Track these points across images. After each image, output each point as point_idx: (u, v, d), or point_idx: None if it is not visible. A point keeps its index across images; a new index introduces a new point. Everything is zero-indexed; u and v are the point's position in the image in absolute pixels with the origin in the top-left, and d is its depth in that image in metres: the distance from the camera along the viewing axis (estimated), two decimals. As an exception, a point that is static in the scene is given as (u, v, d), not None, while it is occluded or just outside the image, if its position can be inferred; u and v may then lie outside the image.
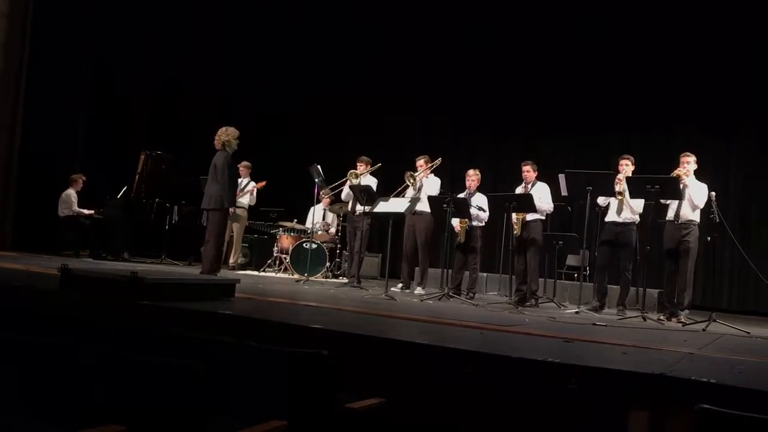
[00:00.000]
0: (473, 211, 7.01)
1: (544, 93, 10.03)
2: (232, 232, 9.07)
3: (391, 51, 11.13)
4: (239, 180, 9.15)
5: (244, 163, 9.20)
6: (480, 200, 7.17)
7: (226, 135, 6.53)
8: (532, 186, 6.79)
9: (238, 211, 9.07)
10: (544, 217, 6.82)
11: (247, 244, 10.02)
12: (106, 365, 2.12)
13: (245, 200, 9.18)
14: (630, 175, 6.13)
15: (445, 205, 6.61)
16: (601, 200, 6.34)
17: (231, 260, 9.16)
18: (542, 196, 6.70)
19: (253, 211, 9.65)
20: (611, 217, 6.39)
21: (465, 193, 7.27)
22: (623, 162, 6.36)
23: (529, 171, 6.81)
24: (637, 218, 6.31)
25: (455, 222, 7.17)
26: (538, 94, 10.09)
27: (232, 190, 6.57)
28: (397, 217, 7.05)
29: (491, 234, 9.51)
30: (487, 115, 10.50)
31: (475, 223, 7.16)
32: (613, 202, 6.32)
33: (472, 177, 7.30)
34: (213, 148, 6.62)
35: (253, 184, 9.33)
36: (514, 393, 2.91)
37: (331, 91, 11.63)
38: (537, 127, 10.09)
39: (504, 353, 3.07)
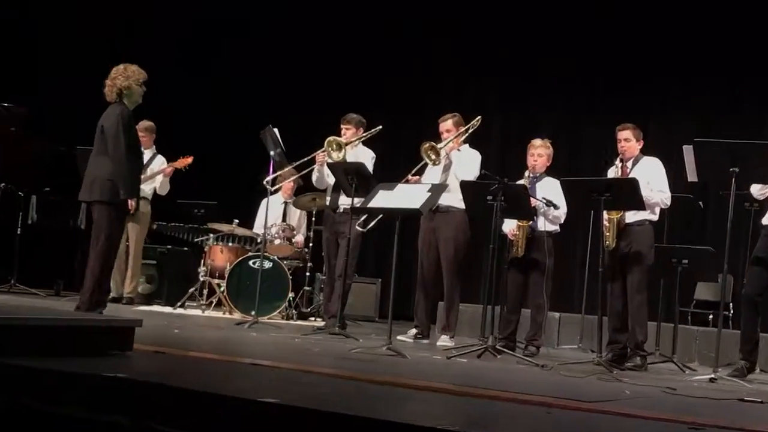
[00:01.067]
0: (539, 205, 7.01)
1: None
2: (128, 241, 9.09)
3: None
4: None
5: (145, 124, 9.18)
6: (550, 188, 7.15)
7: (125, 78, 6.51)
8: (635, 164, 6.80)
9: (140, 204, 9.09)
10: (656, 217, 6.82)
11: (154, 261, 10.02)
12: None
13: (149, 188, 9.20)
14: None
15: (490, 197, 6.61)
16: (756, 190, 6.32)
17: (127, 288, 9.16)
18: (653, 181, 6.70)
19: (162, 206, 9.66)
20: None
21: (526, 176, 7.27)
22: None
23: (629, 139, 6.81)
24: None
25: (509, 225, 7.16)
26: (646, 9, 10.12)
27: (133, 171, 6.57)
28: (410, 217, 7.05)
29: (567, 246, 9.51)
30: (557, 49, 10.52)
31: (540, 226, 7.15)
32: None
33: (539, 151, 7.29)
34: (101, 102, 6.62)
35: (162, 160, 9.32)
36: None
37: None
38: (643, 66, 10.10)
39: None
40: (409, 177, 7.41)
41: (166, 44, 11.46)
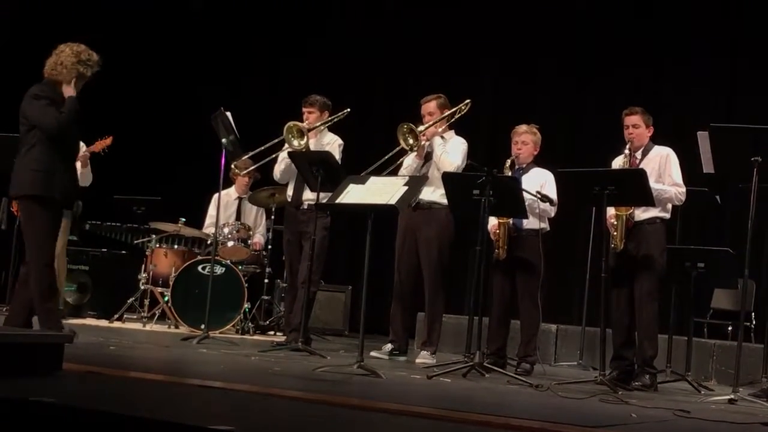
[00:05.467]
0: (530, 200, 7.03)
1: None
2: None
3: None
4: None
5: None
6: (541, 180, 7.19)
7: (59, 61, 6.43)
8: (645, 155, 6.84)
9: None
10: (669, 215, 6.86)
11: (86, 267, 9.95)
12: None
13: None
14: None
15: (477, 192, 6.63)
16: None
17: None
18: (666, 173, 6.75)
19: (96, 202, 9.59)
20: None
21: (507, 166, 7.28)
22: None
23: (637, 125, 6.84)
24: None
25: (491, 223, 7.19)
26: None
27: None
28: (385, 215, 7.04)
29: (566, 249, 9.53)
30: (557, 25, 10.59)
31: (527, 224, 7.19)
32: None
33: (524, 138, 7.32)
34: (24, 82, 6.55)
35: (81, 145, 9.22)
36: None
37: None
38: (651, 44, 10.17)
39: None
40: (386, 158, 7.38)
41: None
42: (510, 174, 7.21)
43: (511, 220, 7.16)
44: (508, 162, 7.30)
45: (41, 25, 11.21)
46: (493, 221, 7.17)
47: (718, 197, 8.23)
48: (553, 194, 7.15)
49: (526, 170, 7.31)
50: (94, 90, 10.02)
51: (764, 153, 6.01)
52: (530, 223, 7.18)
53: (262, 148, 7.91)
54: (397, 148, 7.40)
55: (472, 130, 8.31)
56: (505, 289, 7.28)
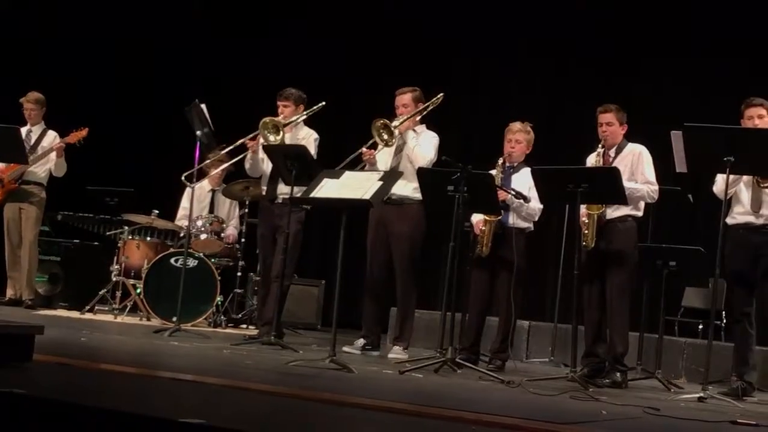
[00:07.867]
0: (509, 199, 7.04)
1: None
2: (18, 236, 9.03)
3: None
4: (26, 131, 9.04)
5: (33, 96, 9.14)
6: (530, 182, 7.12)
7: None
8: (618, 152, 6.86)
9: (31, 190, 9.03)
10: (640, 213, 6.88)
11: (58, 258, 9.90)
12: None
13: (42, 171, 9.13)
14: None
15: (451, 187, 6.63)
16: (720, 188, 6.38)
17: (24, 289, 9.05)
18: (638, 170, 6.77)
19: (68, 192, 9.55)
20: (740, 216, 6.52)
21: (499, 164, 7.26)
22: (753, 111, 6.54)
23: (611, 123, 6.86)
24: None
25: (477, 219, 7.21)
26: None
27: None
28: (358, 210, 7.03)
29: (538, 245, 9.54)
30: (533, 19, 10.61)
31: (511, 222, 7.20)
32: (744, 188, 6.46)
33: (518, 136, 7.29)
34: None
35: (54, 135, 9.20)
36: None
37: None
38: (626, 42, 10.21)
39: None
40: (364, 150, 7.39)
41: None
42: (501, 172, 7.20)
43: (498, 218, 7.13)
44: (500, 160, 7.29)
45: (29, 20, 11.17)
46: (479, 217, 7.18)
47: (690, 196, 8.28)
48: (533, 192, 7.09)
49: (516, 169, 7.28)
50: (69, 81, 10.00)
51: (737, 153, 6.05)
52: (514, 221, 7.19)
53: (237, 143, 7.86)
54: (369, 143, 7.39)
55: (447, 125, 8.30)
56: (485, 286, 7.27)
